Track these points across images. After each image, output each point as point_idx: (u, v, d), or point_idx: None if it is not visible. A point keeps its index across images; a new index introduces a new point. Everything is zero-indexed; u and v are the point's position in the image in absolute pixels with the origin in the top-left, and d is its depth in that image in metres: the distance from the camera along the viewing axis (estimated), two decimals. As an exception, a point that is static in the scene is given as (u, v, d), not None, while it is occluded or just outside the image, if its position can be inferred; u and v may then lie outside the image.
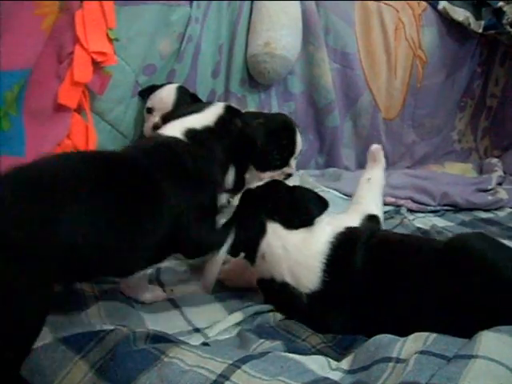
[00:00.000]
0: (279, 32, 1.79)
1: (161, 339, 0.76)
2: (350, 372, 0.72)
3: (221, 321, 0.92)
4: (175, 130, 0.92)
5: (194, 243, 0.89)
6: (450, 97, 2.40)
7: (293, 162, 1.34)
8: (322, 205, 0.98)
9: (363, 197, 1.08)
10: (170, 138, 0.91)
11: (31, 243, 0.65)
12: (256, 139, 1.03)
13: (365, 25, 2.10)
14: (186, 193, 0.85)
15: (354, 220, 1.00)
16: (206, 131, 0.94)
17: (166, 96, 1.44)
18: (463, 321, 0.76)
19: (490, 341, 0.66)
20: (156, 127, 1.36)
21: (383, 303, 0.85)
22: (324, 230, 0.94)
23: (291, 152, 1.32)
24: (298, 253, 0.92)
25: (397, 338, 0.73)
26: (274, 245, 0.94)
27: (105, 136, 1.47)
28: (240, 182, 1.04)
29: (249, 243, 0.97)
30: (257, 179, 1.19)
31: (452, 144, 2.52)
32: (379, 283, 0.86)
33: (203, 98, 1.75)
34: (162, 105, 1.43)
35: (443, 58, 2.28)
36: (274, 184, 1.05)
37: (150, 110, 1.46)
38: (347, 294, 0.88)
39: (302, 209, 0.97)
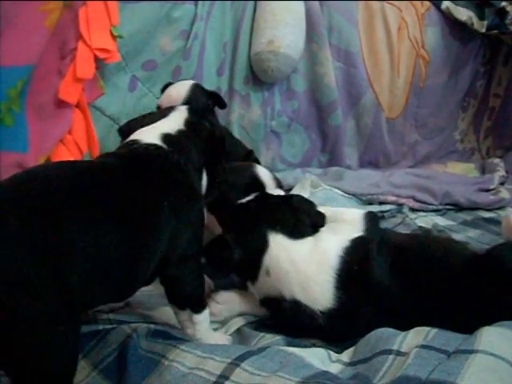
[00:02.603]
0: (283, 30, 1.79)
1: (162, 334, 0.77)
2: (350, 364, 0.72)
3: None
4: (152, 136, 0.84)
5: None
6: (452, 96, 2.39)
7: None
8: (321, 213, 0.94)
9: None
10: (151, 145, 0.82)
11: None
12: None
13: (368, 24, 2.09)
14: (180, 206, 0.77)
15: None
16: (181, 135, 0.88)
17: (177, 93, 1.31)
18: None
19: (491, 336, 0.66)
20: None
21: (410, 313, 0.80)
22: (330, 241, 0.88)
23: None
24: (308, 266, 0.85)
25: (398, 331, 0.73)
26: (279, 257, 0.86)
27: (106, 132, 1.48)
28: (213, 186, 0.94)
29: (249, 258, 0.89)
30: None
31: (454, 144, 2.51)
32: (404, 294, 0.81)
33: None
34: (172, 102, 1.23)
35: (446, 58, 2.27)
36: (266, 195, 0.98)
37: (158, 108, 1.31)
38: (366, 307, 0.82)
39: (305, 216, 0.92)
